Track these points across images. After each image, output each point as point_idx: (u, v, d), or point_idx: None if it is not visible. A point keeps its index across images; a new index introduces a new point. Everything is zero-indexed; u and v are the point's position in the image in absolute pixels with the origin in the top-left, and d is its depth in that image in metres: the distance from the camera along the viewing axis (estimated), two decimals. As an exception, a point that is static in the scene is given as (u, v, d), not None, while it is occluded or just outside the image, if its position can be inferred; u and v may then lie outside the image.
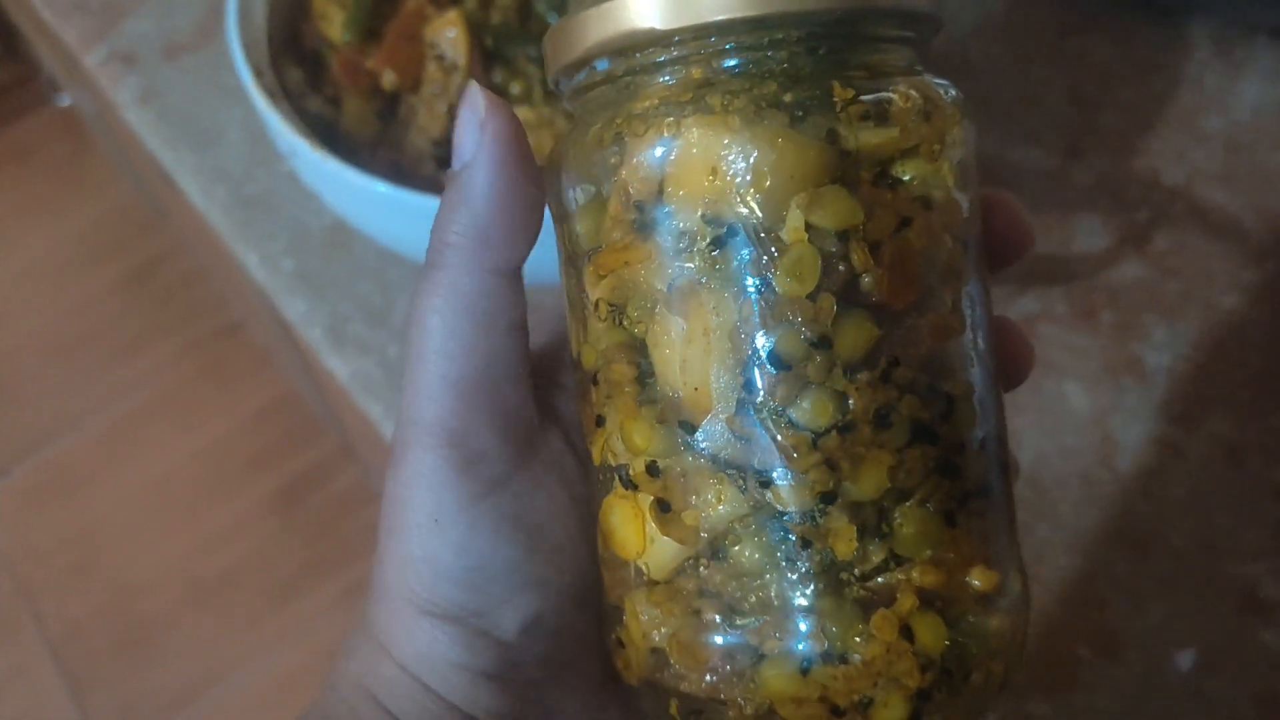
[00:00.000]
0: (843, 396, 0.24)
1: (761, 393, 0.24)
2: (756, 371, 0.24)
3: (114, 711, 1.28)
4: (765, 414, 0.24)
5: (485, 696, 0.28)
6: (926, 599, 0.25)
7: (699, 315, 0.25)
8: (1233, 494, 0.50)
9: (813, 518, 0.25)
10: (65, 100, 1.70)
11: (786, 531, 0.25)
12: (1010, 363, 0.30)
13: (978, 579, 0.26)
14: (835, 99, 0.25)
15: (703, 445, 0.25)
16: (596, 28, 0.26)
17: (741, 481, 0.25)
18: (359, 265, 0.59)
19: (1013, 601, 0.27)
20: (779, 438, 0.24)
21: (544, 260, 0.29)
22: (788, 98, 0.25)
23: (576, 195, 0.27)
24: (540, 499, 0.28)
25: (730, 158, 0.24)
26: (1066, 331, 0.55)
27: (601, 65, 0.27)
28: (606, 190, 0.26)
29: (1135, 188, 0.59)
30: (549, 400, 0.30)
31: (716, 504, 0.25)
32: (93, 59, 0.68)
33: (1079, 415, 0.52)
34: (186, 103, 0.65)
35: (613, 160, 0.26)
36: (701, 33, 0.25)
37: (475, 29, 0.52)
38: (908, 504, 0.25)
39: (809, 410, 0.24)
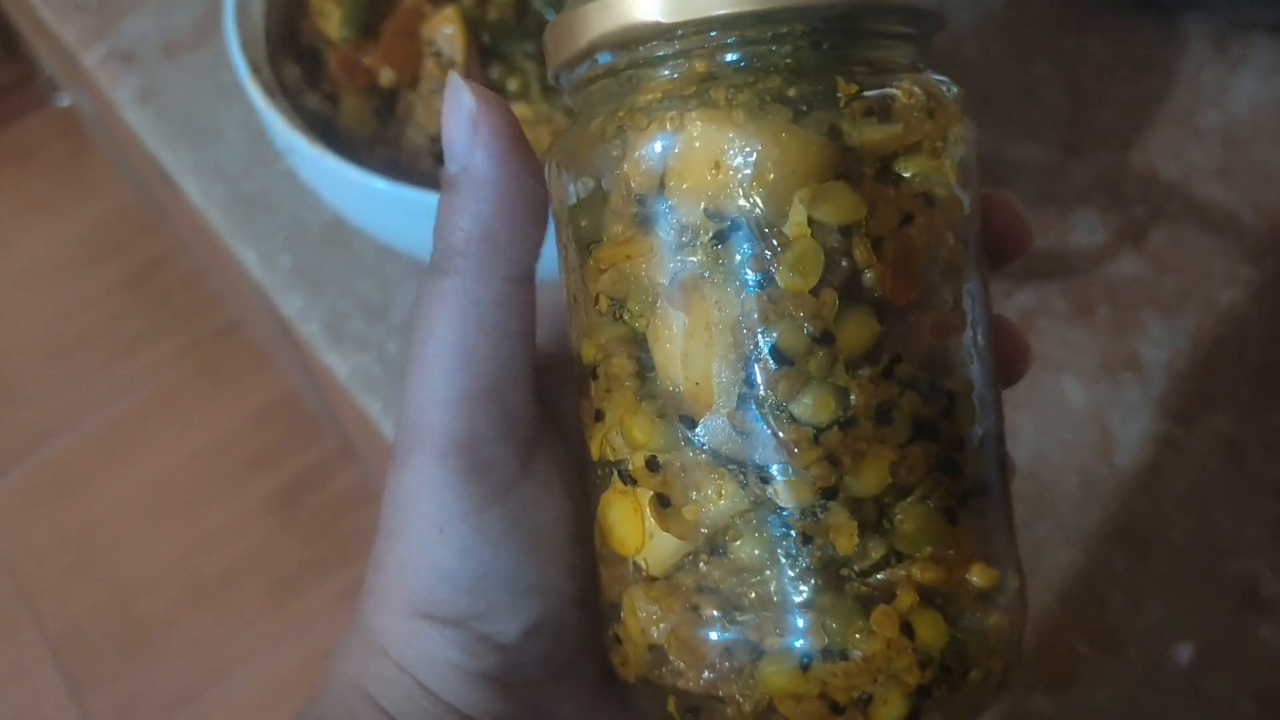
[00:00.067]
0: (844, 392, 0.24)
1: (763, 388, 0.24)
2: (758, 366, 0.24)
3: (114, 711, 1.28)
4: (767, 409, 0.24)
5: (484, 698, 0.28)
6: (926, 596, 0.25)
7: (701, 310, 0.25)
8: (1232, 491, 0.50)
9: (814, 513, 0.25)
10: (65, 100, 1.70)
11: (787, 527, 0.25)
12: (1007, 361, 0.30)
13: (977, 576, 0.26)
14: (839, 94, 0.25)
15: (703, 440, 0.25)
16: (599, 21, 0.26)
17: (742, 477, 0.25)
18: (357, 262, 0.59)
19: (1011, 599, 0.27)
20: (780, 433, 0.24)
21: (543, 256, 0.29)
22: (791, 92, 0.25)
23: (577, 189, 0.27)
24: (545, 503, 0.28)
25: (734, 152, 0.24)
26: (1064, 327, 0.55)
27: (603, 58, 0.27)
28: (607, 184, 0.26)
29: (1133, 184, 0.59)
30: (549, 400, 0.30)
31: (717, 499, 0.25)
32: (92, 58, 0.68)
33: (1077, 411, 0.52)
34: (185, 101, 0.65)
35: (614, 154, 0.26)
36: (705, 26, 0.25)
37: (472, 26, 0.52)
38: (908, 500, 0.25)
39: (811, 405, 0.24)
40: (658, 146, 0.25)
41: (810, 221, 0.24)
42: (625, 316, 0.26)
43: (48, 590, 1.35)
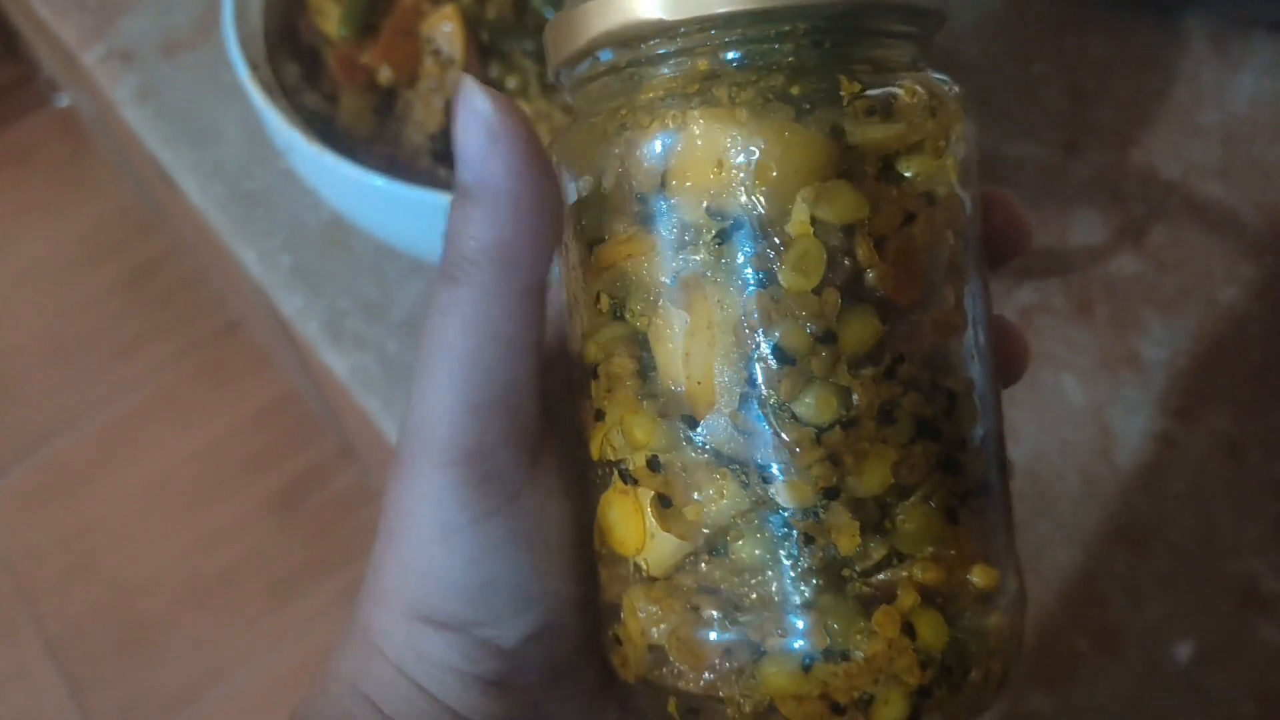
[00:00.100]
0: (847, 392, 0.24)
1: (765, 387, 0.24)
2: (760, 366, 0.24)
3: (114, 711, 1.28)
4: (768, 409, 0.24)
5: (482, 701, 0.28)
6: (928, 596, 0.25)
7: (703, 309, 0.25)
8: (1232, 489, 0.50)
9: (815, 513, 0.24)
10: (64, 101, 1.70)
11: (789, 527, 0.25)
12: (1006, 360, 0.30)
13: (978, 576, 0.26)
14: (842, 93, 0.24)
15: (705, 440, 0.25)
16: (601, 18, 0.26)
17: (744, 477, 0.25)
18: (356, 260, 0.59)
19: (1010, 599, 0.27)
20: (782, 433, 0.24)
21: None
22: (794, 91, 0.24)
23: (578, 187, 0.27)
24: (548, 509, 0.28)
25: (736, 150, 0.24)
26: (1064, 325, 0.55)
27: (605, 56, 0.26)
28: (609, 182, 0.26)
29: (1133, 182, 0.59)
30: (550, 399, 0.29)
31: (718, 499, 0.25)
32: (91, 57, 0.68)
33: (1077, 409, 0.52)
34: (184, 100, 0.65)
35: (616, 152, 0.26)
36: (708, 24, 0.25)
37: (471, 24, 0.52)
38: (910, 500, 0.25)
39: (813, 405, 0.24)
40: (659, 145, 0.25)
41: (813, 220, 0.24)
42: (626, 315, 0.26)
43: (47, 590, 1.35)
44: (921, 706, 0.25)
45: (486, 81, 0.53)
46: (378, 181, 0.47)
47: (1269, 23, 0.62)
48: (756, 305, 0.24)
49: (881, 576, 0.25)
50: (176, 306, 1.54)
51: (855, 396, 0.24)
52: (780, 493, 0.24)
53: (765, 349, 0.24)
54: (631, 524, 0.26)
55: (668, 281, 0.25)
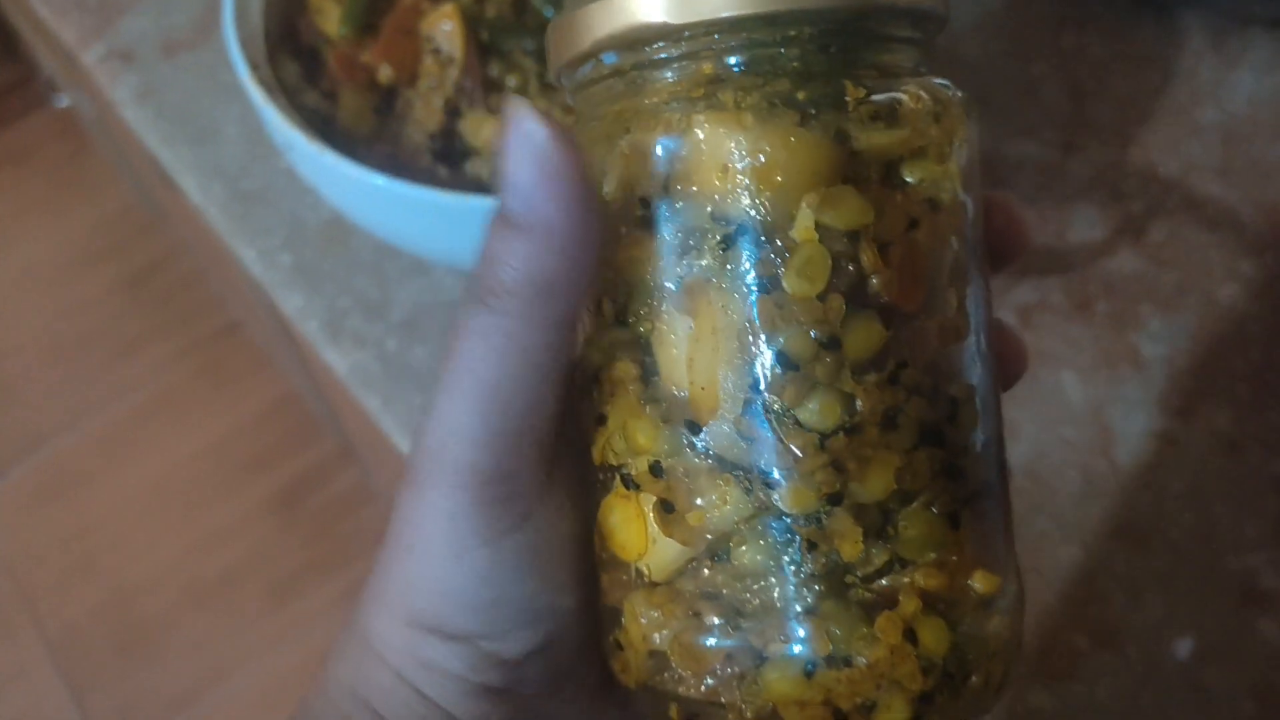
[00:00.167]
0: (850, 398, 0.24)
1: (768, 393, 0.24)
2: (764, 371, 0.24)
3: (114, 711, 1.28)
4: (772, 414, 0.24)
5: (483, 708, 0.28)
6: (929, 602, 0.25)
7: (706, 314, 0.25)
8: (1232, 487, 0.50)
9: (818, 519, 0.24)
10: (64, 101, 1.70)
11: (791, 533, 0.24)
12: (1004, 363, 0.30)
13: (979, 582, 0.26)
14: (847, 98, 0.24)
15: (707, 445, 0.25)
16: (604, 21, 0.26)
17: (747, 482, 0.25)
18: (356, 259, 0.59)
19: (1010, 603, 0.27)
20: (786, 438, 0.24)
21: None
22: (800, 95, 0.24)
23: None
24: (559, 526, 0.28)
25: (741, 155, 0.24)
26: (1063, 322, 0.55)
27: (608, 59, 0.26)
28: (611, 186, 0.26)
29: (1132, 180, 0.59)
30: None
31: (721, 505, 0.25)
32: (90, 57, 0.68)
33: (1076, 406, 0.52)
34: (184, 99, 0.65)
35: (618, 155, 0.25)
36: (713, 28, 0.25)
37: (471, 23, 0.52)
38: (913, 506, 0.25)
39: (816, 411, 0.24)
40: (663, 149, 0.25)
41: (818, 226, 0.24)
42: (629, 320, 0.26)
43: (47, 591, 1.35)
44: (923, 712, 0.25)
45: (486, 80, 0.53)
46: (378, 180, 0.47)
47: (1267, 20, 0.62)
48: (760, 310, 0.24)
49: (883, 582, 0.25)
50: (176, 307, 1.54)
51: (859, 402, 0.24)
52: (783, 498, 0.24)
53: (769, 354, 0.24)
54: (633, 529, 0.26)
55: (671, 286, 0.25)
